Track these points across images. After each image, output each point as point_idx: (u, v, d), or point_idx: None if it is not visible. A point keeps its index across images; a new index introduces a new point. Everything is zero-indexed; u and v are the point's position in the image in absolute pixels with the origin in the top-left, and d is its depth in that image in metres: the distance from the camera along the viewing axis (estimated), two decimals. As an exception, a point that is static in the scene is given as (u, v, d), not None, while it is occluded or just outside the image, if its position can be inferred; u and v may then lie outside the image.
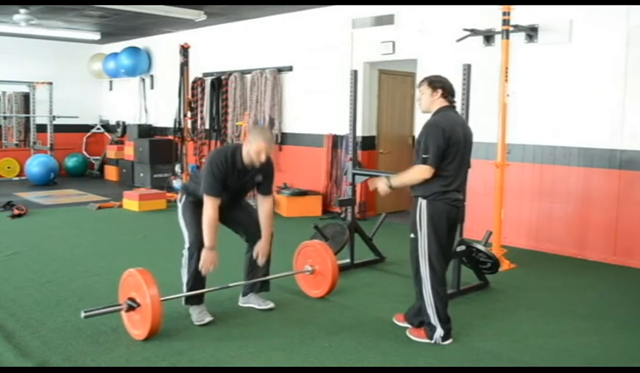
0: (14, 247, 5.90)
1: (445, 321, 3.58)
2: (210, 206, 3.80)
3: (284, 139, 8.94)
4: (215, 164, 3.84)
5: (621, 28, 5.51)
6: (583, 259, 5.82)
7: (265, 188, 4.07)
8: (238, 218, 4.14)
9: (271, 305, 4.21)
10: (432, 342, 3.58)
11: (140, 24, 9.84)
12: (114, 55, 11.73)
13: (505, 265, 5.36)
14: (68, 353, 3.39)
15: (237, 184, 3.96)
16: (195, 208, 3.97)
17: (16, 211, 7.63)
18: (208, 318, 3.92)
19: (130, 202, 8.32)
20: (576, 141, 5.88)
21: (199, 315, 3.93)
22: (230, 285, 4.17)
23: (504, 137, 5.40)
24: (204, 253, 3.78)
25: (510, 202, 6.01)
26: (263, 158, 3.84)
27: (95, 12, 8.89)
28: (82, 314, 3.46)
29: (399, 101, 8.51)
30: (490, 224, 5.43)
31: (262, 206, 4.06)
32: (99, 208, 8.40)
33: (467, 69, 4.48)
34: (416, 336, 3.66)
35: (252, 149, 3.81)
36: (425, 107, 3.65)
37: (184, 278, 4.00)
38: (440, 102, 3.59)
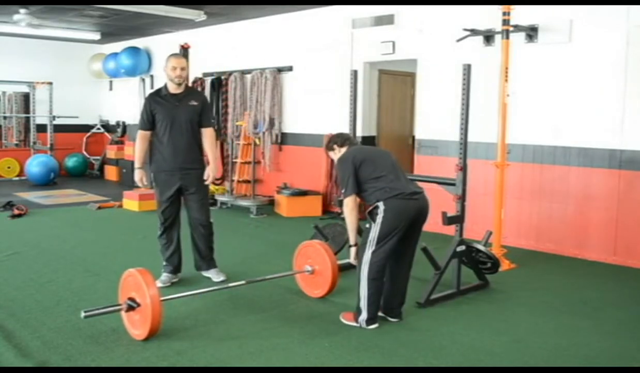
0: (14, 247, 5.90)
1: (373, 308, 3.82)
2: (139, 139, 4.65)
3: (284, 139, 8.94)
4: (143, 105, 4.60)
5: (621, 28, 5.51)
6: (583, 259, 5.82)
7: (205, 120, 4.71)
8: (191, 206, 4.74)
9: (223, 277, 4.75)
10: (358, 325, 3.81)
11: (140, 24, 9.84)
12: (114, 55, 11.73)
13: (505, 265, 5.36)
14: (68, 353, 3.38)
15: (175, 112, 4.54)
16: (161, 185, 4.66)
17: (16, 211, 7.63)
18: (168, 284, 4.60)
19: (130, 202, 8.32)
20: (576, 141, 5.88)
21: (164, 280, 4.62)
22: (230, 285, 4.22)
23: (504, 137, 5.40)
24: (136, 172, 4.64)
25: (510, 202, 6.01)
26: (178, 71, 4.49)
27: (95, 12, 8.89)
28: (82, 314, 3.46)
29: (399, 101, 8.51)
30: (490, 224, 5.43)
31: (205, 137, 4.70)
32: (99, 208, 8.40)
33: (467, 69, 4.48)
34: (346, 320, 3.89)
35: (168, 68, 4.51)
36: (339, 157, 4.07)
37: (159, 246, 4.77)
38: (346, 149, 4.07)
